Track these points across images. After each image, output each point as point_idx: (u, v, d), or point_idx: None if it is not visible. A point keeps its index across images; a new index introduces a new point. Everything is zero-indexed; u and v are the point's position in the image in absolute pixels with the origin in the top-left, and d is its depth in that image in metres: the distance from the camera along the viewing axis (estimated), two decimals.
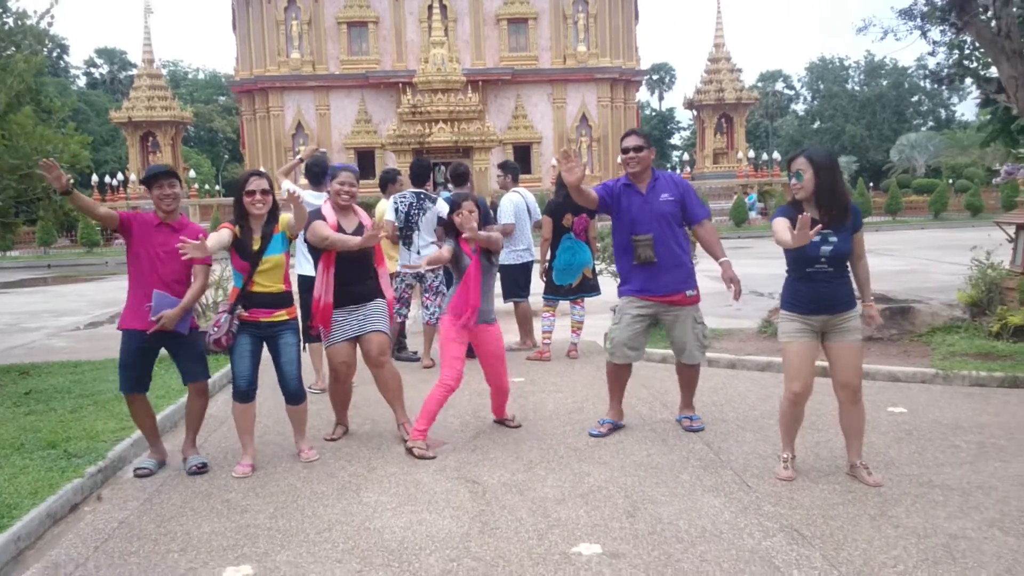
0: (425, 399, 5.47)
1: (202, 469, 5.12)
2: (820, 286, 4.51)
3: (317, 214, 5.51)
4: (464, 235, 5.38)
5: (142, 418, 5.24)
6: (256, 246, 5.06)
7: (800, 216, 4.22)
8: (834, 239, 4.45)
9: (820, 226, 4.28)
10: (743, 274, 5.77)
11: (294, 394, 5.29)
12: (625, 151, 5.50)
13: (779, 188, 37.41)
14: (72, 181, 5.07)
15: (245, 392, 5.15)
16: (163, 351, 5.25)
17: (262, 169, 5.69)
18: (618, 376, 5.72)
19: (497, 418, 5.92)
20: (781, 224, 4.47)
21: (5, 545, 3.92)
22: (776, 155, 44.91)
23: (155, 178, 5.08)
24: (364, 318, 5.53)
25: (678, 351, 5.65)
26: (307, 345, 7.48)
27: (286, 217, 5.17)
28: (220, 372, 7.54)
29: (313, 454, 5.32)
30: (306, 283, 6.67)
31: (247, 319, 5.09)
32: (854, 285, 4.65)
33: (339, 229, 5.45)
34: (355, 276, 5.50)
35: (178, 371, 5.33)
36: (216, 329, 5.02)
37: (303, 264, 7.07)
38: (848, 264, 4.60)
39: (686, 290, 5.49)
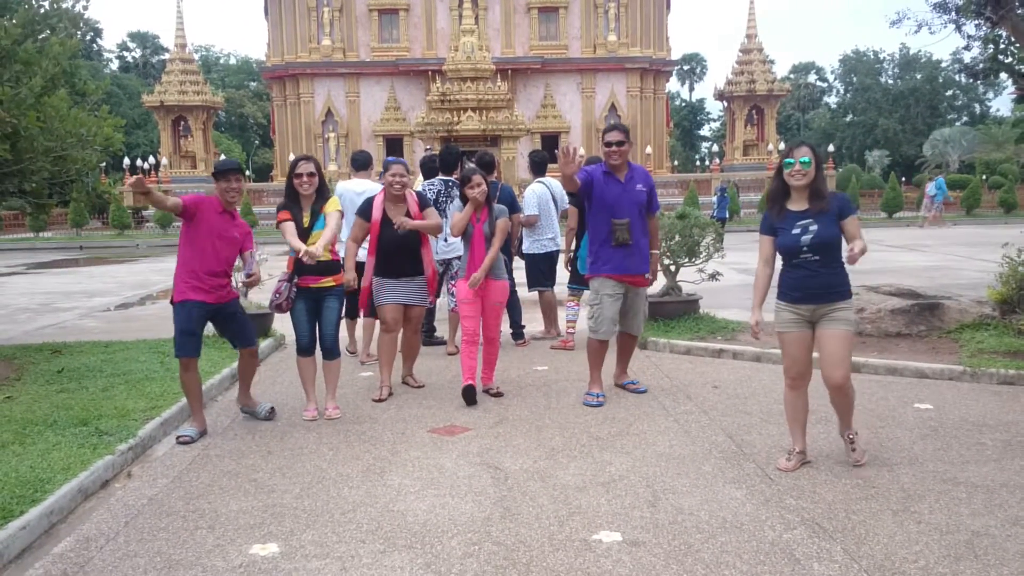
0: (460, 359, 6.38)
1: (273, 413, 5.99)
2: (806, 276, 4.60)
3: (369, 206, 6.45)
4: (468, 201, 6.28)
5: (193, 384, 5.63)
6: (306, 223, 5.82)
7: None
8: (814, 227, 4.54)
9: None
10: None
11: (329, 350, 6.07)
12: (608, 144, 6.11)
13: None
14: (141, 175, 5.49)
15: (307, 346, 6.03)
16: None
17: (310, 154, 6.50)
18: (601, 351, 6.31)
19: (484, 384, 6.50)
20: (764, 249, 4.85)
21: (38, 519, 4.02)
22: None
23: (224, 173, 5.64)
24: (409, 291, 6.50)
25: (628, 323, 6.42)
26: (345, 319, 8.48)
27: (335, 201, 5.97)
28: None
29: (337, 413, 5.98)
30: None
31: (299, 285, 5.88)
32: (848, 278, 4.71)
33: (383, 218, 6.35)
34: (400, 253, 6.42)
35: (229, 340, 5.97)
36: (277, 295, 5.87)
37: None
38: (837, 255, 4.62)
39: (645, 272, 6.26)
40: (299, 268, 5.84)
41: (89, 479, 4.57)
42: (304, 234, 5.80)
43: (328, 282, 5.93)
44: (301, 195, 5.87)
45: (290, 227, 5.81)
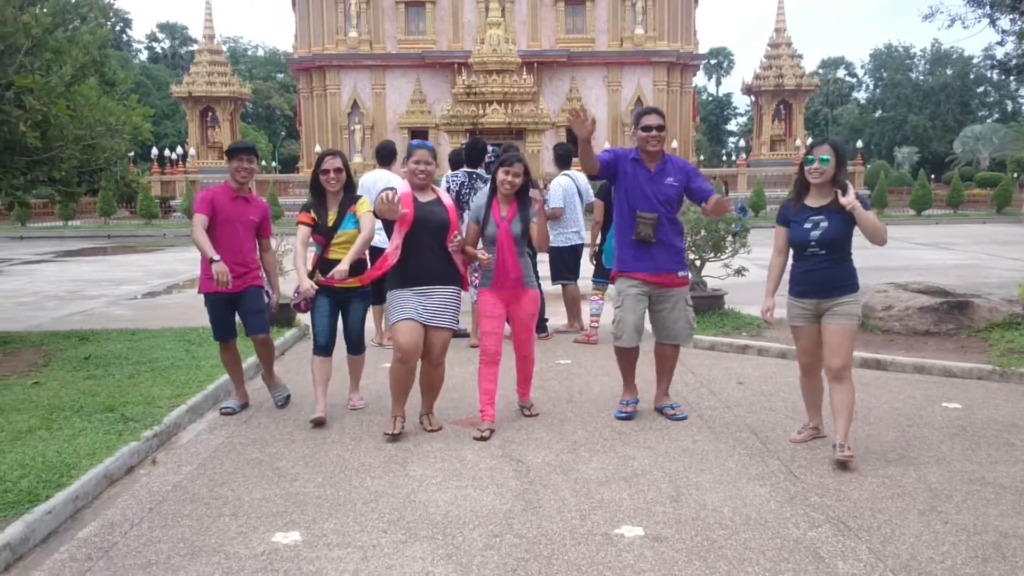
0: (479, 381, 5.49)
1: (287, 401, 6.07)
2: (813, 270, 4.77)
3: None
4: (498, 196, 5.39)
5: (232, 363, 6.00)
6: (331, 222, 5.61)
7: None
8: (824, 224, 4.68)
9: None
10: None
11: (355, 345, 5.93)
12: (647, 129, 5.43)
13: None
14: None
15: (324, 346, 5.76)
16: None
17: (337, 149, 6.26)
18: (629, 358, 5.68)
19: (519, 400, 5.85)
20: (777, 247, 5.00)
21: (64, 503, 4.06)
22: None
23: (237, 152, 5.71)
24: (433, 307, 5.21)
25: (663, 330, 5.64)
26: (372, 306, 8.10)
27: (366, 202, 5.71)
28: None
29: (361, 403, 5.98)
30: (374, 254, 6.81)
31: (323, 283, 5.58)
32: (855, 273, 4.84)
33: (415, 199, 5.21)
34: (431, 251, 5.21)
35: (245, 324, 5.92)
36: (297, 295, 5.60)
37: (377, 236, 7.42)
38: (846, 251, 4.77)
39: (678, 270, 5.54)
40: (323, 266, 5.63)
41: (114, 465, 4.61)
42: (329, 233, 5.61)
43: (353, 283, 5.59)
44: (327, 192, 5.65)
45: (302, 250, 5.57)
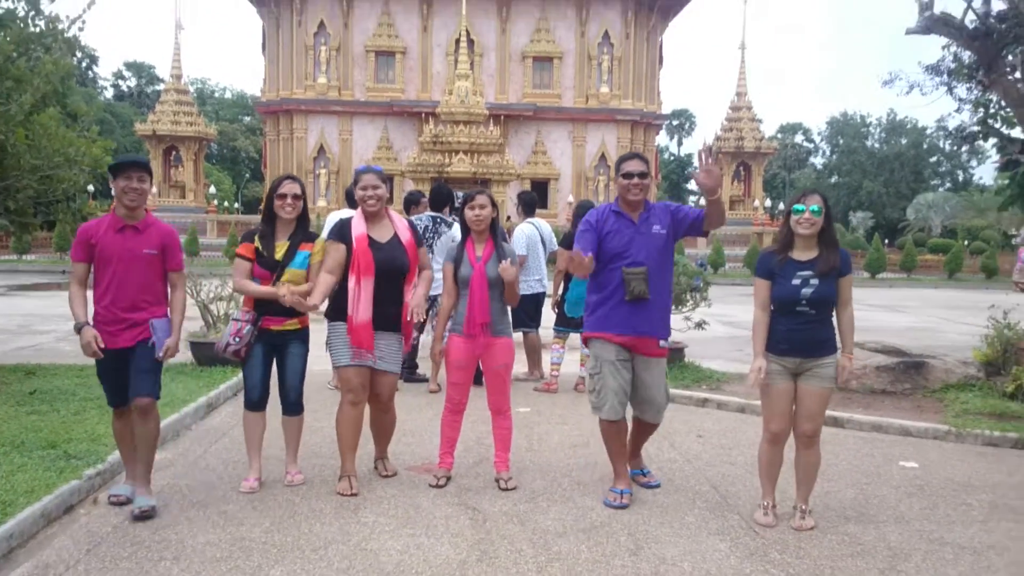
0: (440, 427, 5.30)
1: (146, 514, 4.41)
2: (798, 328, 4.49)
3: (346, 224, 5.05)
4: (472, 236, 5.11)
5: (126, 435, 4.72)
6: (279, 254, 4.91)
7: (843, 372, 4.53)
8: (815, 281, 4.44)
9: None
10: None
11: (293, 404, 5.11)
12: (628, 176, 4.88)
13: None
14: None
15: (257, 401, 5.04)
16: None
17: (296, 176, 5.28)
18: (617, 434, 4.98)
19: (496, 471, 5.22)
20: (760, 293, 4.60)
21: None
22: None
23: (124, 168, 4.50)
24: (383, 351, 5.01)
25: (643, 407, 5.03)
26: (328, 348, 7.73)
27: (322, 243, 5.03)
28: (225, 384, 7.50)
29: (299, 478, 5.10)
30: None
31: (261, 327, 4.94)
32: (836, 333, 4.62)
33: (371, 241, 4.95)
34: (388, 298, 4.96)
35: (129, 385, 4.56)
36: (237, 340, 4.88)
37: None
38: (832, 310, 4.56)
39: (661, 338, 4.93)
40: (260, 307, 4.95)
41: (53, 503, 4.42)
42: (275, 267, 4.89)
43: (293, 324, 4.98)
44: (279, 219, 4.96)
45: (245, 282, 4.92)
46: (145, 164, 4.63)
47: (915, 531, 4.55)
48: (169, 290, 4.71)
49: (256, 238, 4.97)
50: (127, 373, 4.56)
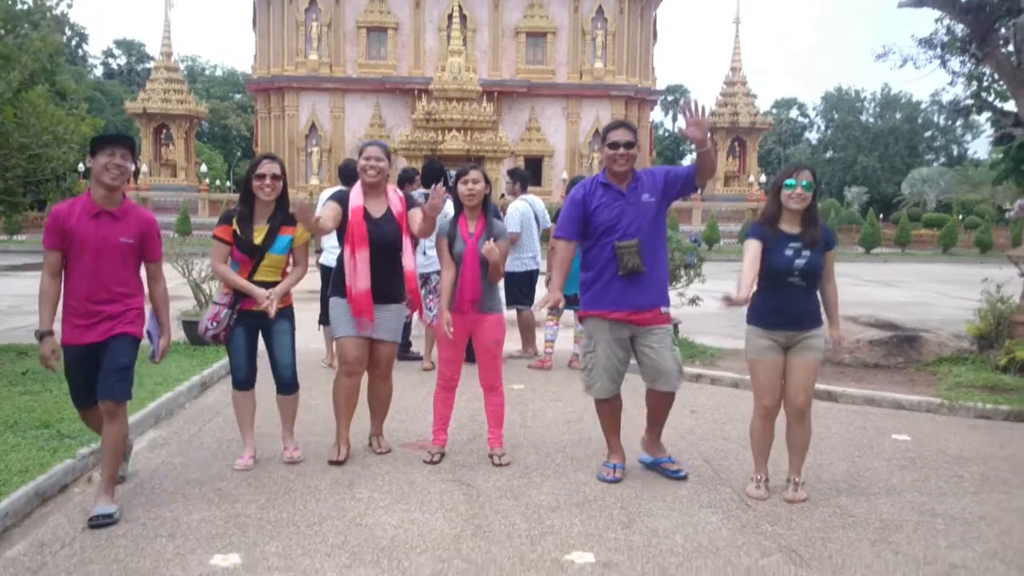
0: (433, 404, 5.33)
1: (106, 521, 4.02)
2: (789, 301, 4.53)
3: (344, 195, 5.16)
4: (464, 212, 5.09)
5: (104, 439, 4.29)
6: (259, 239, 4.79)
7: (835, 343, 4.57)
8: (807, 253, 4.47)
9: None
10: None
11: (287, 384, 5.08)
12: (614, 146, 4.71)
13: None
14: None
15: (244, 380, 5.02)
16: None
17: (277, 156, 5.22)
18: (611, 411, 4.99)
19: (490, 447, 5.23)
20: (751, 253, 4.51)
21: None
22: None
23: (106, 143, 4.11)
24: (381, 321, 5.08)
25: (654, 376, 4.83)
26: (321, 326, 8.06)
27: (303, 232, 4.94)
28: (218, 363, 7.50)
29: (297, 454, 5.09)
30: (326, 273, 6.71)
31: (241, 309, 4.88)
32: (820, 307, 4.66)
33: (366, 214, 5.01)
34: (384, 270, 5.02)
35: (97, 385, 4.19)
36: (215, 324, 4.83)
37: (326, 255, 7.49)
38: (818, 283, 4.60)
39: (661, 306, 4.81)
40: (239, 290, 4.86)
41: (47, 482, 4.42)
42: (254, 252, 4.79)
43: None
44: (258, 201, 4.83)
45: (223, 267, 4.85)
46: (130, 141, 4.24)
47: (906, 503, 4.58)
48: (149, 283, 4.38)
49: (234, 220, 4.85)
50: (95, 370, 4.17)
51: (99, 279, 4.10)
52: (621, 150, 4.72)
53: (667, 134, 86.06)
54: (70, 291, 4.14)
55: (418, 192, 7.97)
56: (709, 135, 4.76)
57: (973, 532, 4.18)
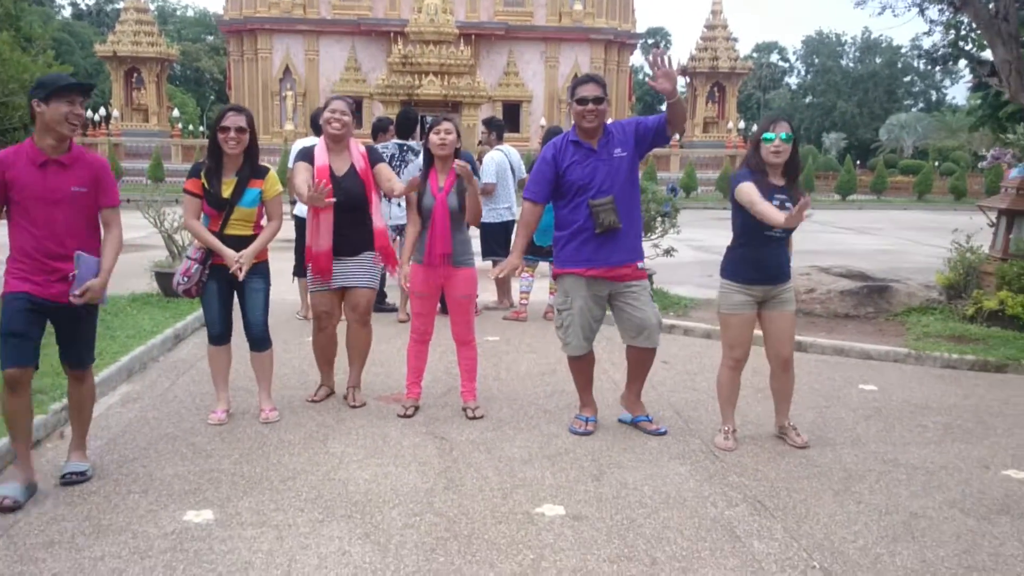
0: (407, 357, 5.36)
1: (80, 478, 4.04)
2: (769, 255, 4.60)
3: (309, 152, 5.20)
4: (435, 165, 5.07)
5: (24, 411, 3.94)
6: (227, 192, 4.74)
7: (802, 199, 4.29)
8: (789, 205, 4.49)
9: (806, 203, 4.27)
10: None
11: (258, 340, 5.05)
12: (583, 102, 4.62)
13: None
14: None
15: (219, 335, 5.00)
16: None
17: (243, 105, 5.18)
18: (582, 367, 5.04)
19: (463, 400, 5.29)
20: (755, 191, 4.45)
21: None
22: None
23: (68, 91, 3.81)
24: (353, 270, 5.20)
25: (634, 332, 4.83)
26: (296, 278, 8.14)
27: (275, 181, 4.87)
28: (192, 316, 7.46)
29: (274, 415, 5.05)
30: (302, 225, 6.69)
31: (213, 263, 4.85)
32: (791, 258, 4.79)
33: (331, 173, 5.07)
34: (350, 224, 5.12)
35: (61, 350, 4.13)
36: (186, 279, 4.80)
37: (300, 206, 7.36)
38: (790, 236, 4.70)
39: (637, 261, 4.81)
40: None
41: None
42: (223, 206, 4.73)
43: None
44: (224, 154, 4.74)
45: (195, 224, 4.81)
46: (90, 88, 4.04)
47: (870, 452, 4.69)
48: (103, 229, 4.08)
49: (202, 174, 4.79)
50: (41, 329, 3.93)
51: (53, 232, 3.84)
52: (590, 106, 4.64)
53: (647, 78, 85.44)
54: (17, 247, 3.87)
55: (392, 143, 7.89)
56: (689, 80, 4.77)
57: (934, 481, 4.28)
